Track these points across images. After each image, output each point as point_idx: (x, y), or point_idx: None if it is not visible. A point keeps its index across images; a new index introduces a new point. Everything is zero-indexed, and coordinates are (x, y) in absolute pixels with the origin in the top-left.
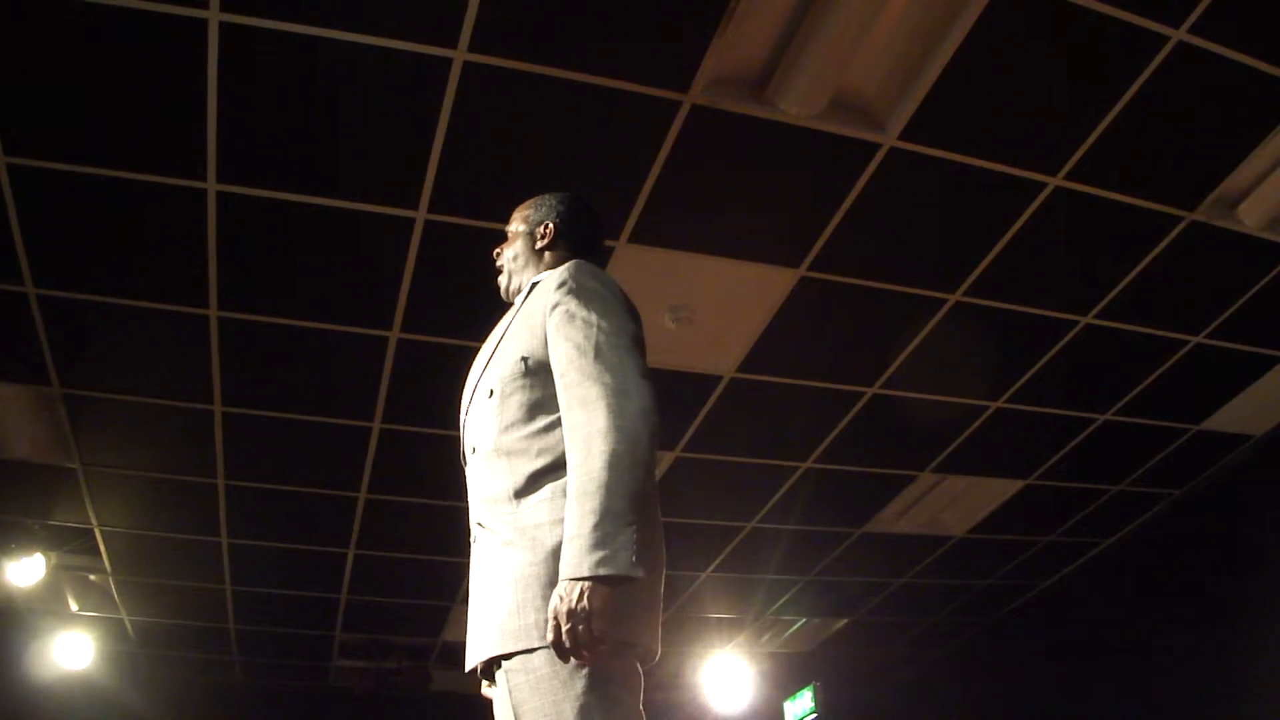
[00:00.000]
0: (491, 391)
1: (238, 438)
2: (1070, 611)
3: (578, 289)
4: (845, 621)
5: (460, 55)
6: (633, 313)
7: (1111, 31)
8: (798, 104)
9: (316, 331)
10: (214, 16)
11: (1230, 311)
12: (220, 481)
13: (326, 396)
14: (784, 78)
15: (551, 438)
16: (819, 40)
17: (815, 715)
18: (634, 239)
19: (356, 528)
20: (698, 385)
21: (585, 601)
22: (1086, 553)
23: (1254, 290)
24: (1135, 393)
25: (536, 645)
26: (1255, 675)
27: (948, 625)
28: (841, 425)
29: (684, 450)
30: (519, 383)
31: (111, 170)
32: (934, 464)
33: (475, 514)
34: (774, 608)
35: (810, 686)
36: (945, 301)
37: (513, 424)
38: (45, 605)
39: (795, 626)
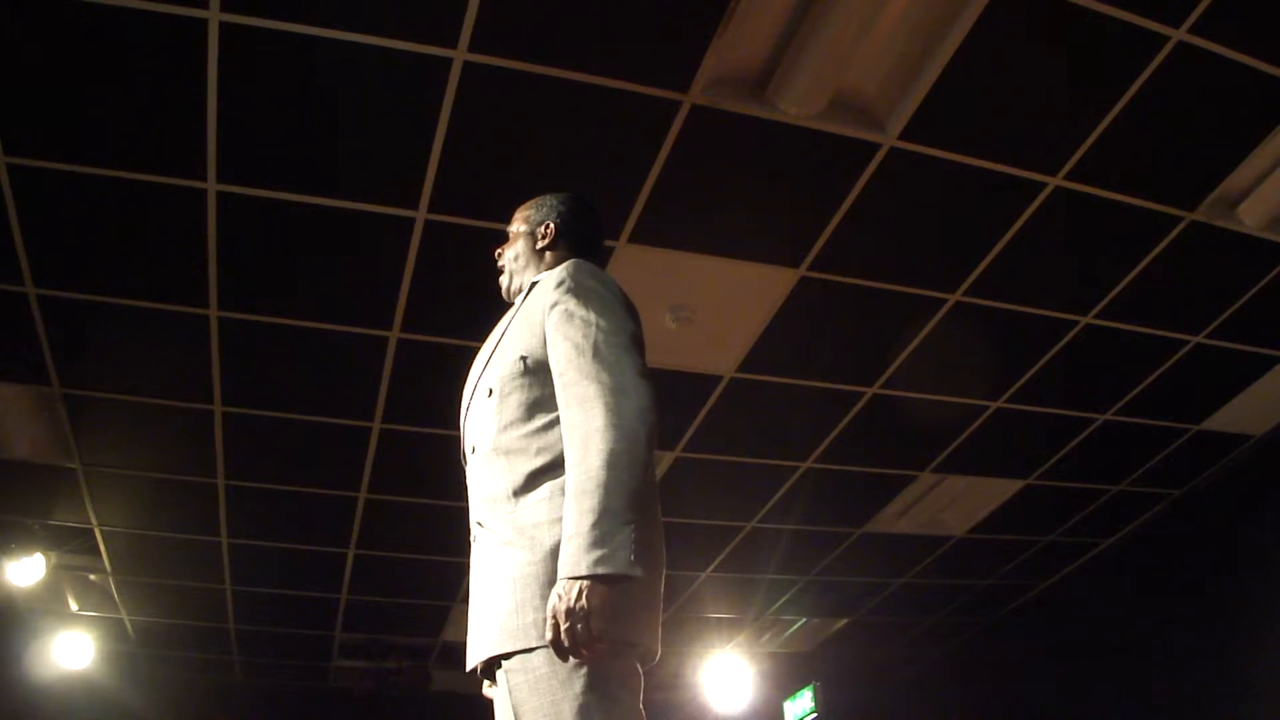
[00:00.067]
0: (491, 391)
1: (238, 438)
2: (1070, 611)
3: (576, 288)
4: (845, 621)
5: (460, 55)
6: (632, 312)
7: (1111, 31)
8: (798, 104)
9: (316, 331)
10: (214, 16)
11: (1230, 311)
12: (220, 481)
13: (326, 396)
14: (784, 78)
15: (550, 436)
16: (819, 40)
17: (815, 715)
18: (634, 239)
19: (356, 528)
20: (698, 385)
21: (584, 600)
22: (1086, 553)
23: (1254, 290)
24: (1135, 393)
25: (535, 645)
26: (1255, 675)
27: (948, 625)
28: (841, 425)
29: (684, 450)
30: (518, 382)
31: (111, 170)
32: (934, 464)
33: (475, 513)
34: (774, 608)
35: (810, 686)
36: (945, 301)
37: (512, 423)
38: (45, 605)
39: (795, 626)
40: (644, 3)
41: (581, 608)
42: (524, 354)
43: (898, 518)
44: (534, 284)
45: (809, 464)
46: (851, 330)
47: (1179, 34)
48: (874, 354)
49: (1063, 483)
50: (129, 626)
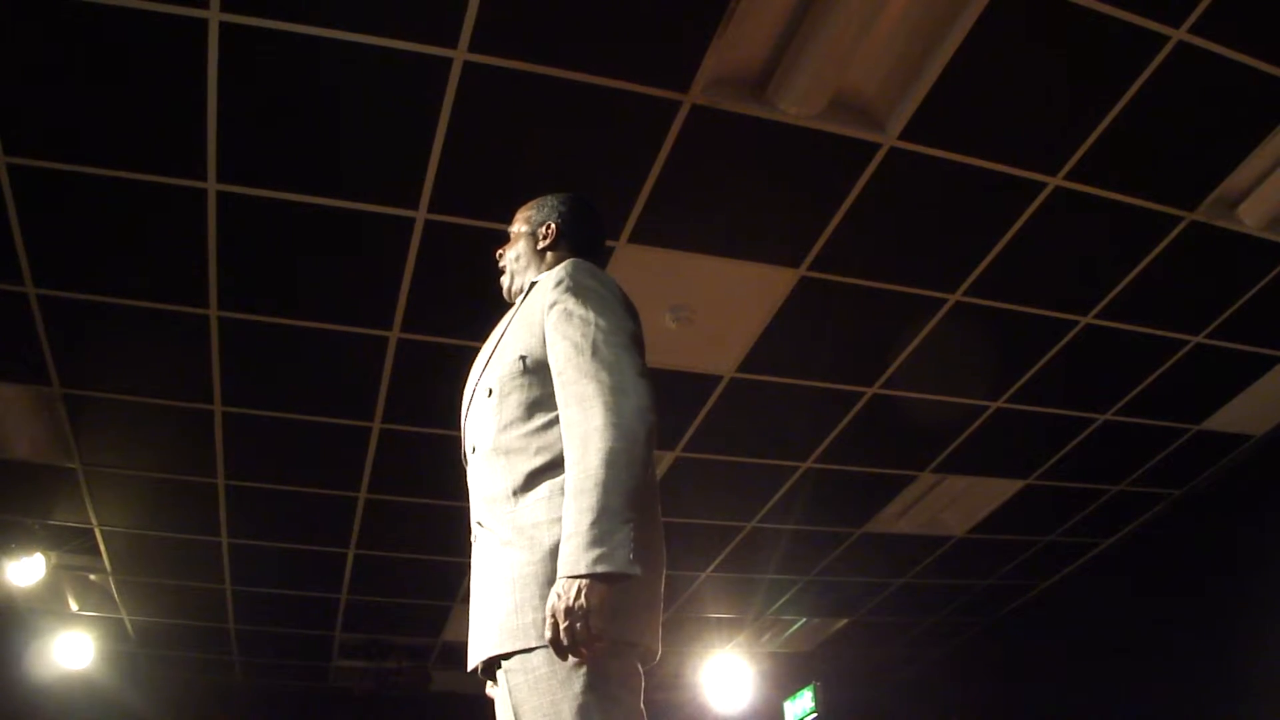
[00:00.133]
0: (490, 391)
1: (238, 438)
2: (1070, 611)
3: (575, 287)
4: (845, 621)
5: (460, 55)
6: (631, 311)
7: (1111, 31)
8: (798, 104)
9: (316, 331)
10: (214, 16)
11: (1230, 311)
12: (220, 481)
13: (326, 396)
14: (784, 78)
15: (550, 436)
16: (819, 40)
17: (815, 715)
18: (634, 239)
19: (356, 528)
20: (698, 385)
21: (583, 599)
22: (1086, 553)
23: (1254, 290)
24: (1135, 393)
25: (535, 644)
26: (1255, 675)
27: (948, 625)
28: (841, 425)
29: (684, 450)
30: (517, 381)
31: (111, 170)
32: (934, 464)
33: (475, 513)
34: (774, 608)
35: (810, 686)
36: (945, 301)
37: (511, 423)
38: (45, 605)
39: (795, 626)
40: (644, 3)
41: (580, 607)
42: (523, 354)
43: (898, 518)
44: (533, 284)
45: (809, 464)
46: (851, 330)
47: (1179, 34)
48: (874, 354)
49: (1063, 483)
50: (129, 626)
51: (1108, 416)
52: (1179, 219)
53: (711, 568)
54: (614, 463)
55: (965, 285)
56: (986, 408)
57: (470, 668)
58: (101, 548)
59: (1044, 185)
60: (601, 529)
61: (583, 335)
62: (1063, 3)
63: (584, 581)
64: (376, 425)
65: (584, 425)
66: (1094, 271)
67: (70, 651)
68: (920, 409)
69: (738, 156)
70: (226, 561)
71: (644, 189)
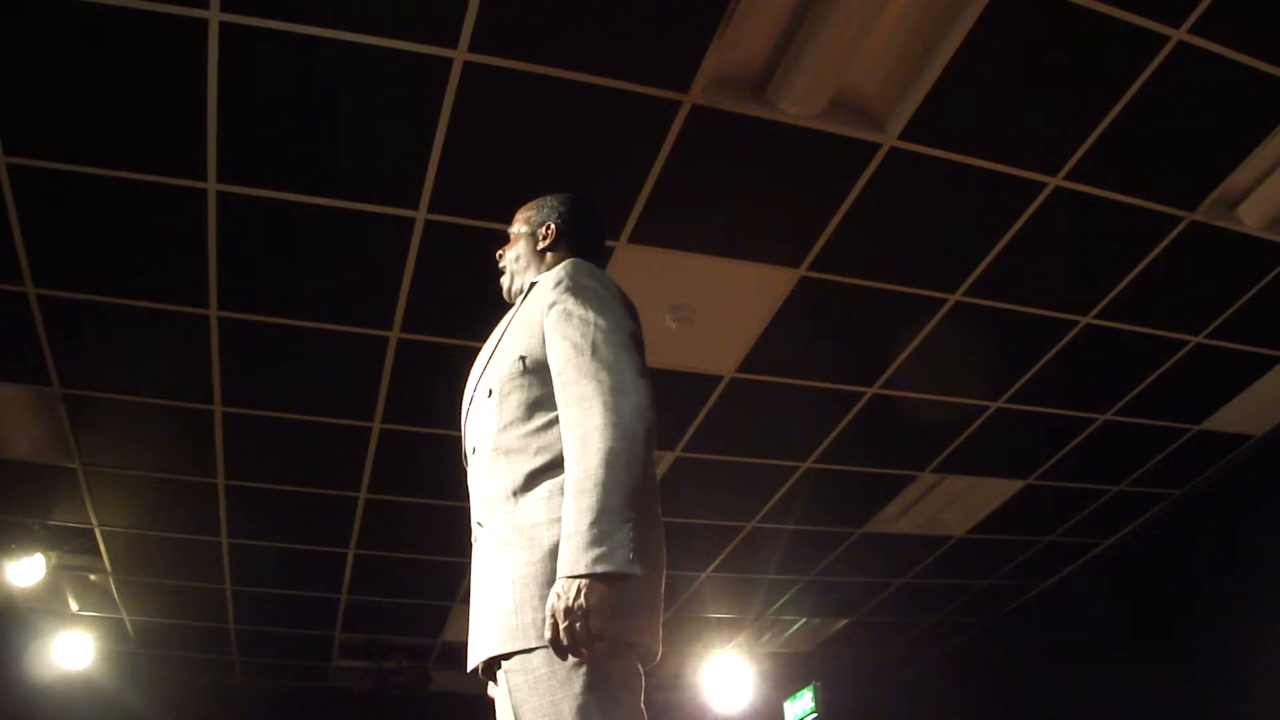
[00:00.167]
0: (490, 391)
1: (238, 438)
2: (1070, 611)
3: (575, 287)
4: (845, 621)
5: (460, 55)
6: (630, 311)
7: (1111, 31)
8: (798, 104)
9: (316, 331)
10: (214, 16)
11: (1230, 311)
12: (220, 481)
13: (326, 396)
14: (784, 78)
15: (549, 436)
16: (819, 40)
17: (815, 715)
18: (634, 239)
19: (356, 528)
20: (698, 385)
21: (582, 599)
22: (1086, 553)
23: (1254, 290)
24: (1135, 393)
25: (535, 645)
26: (1255, 675)
27: (948, 625)
28: (841, 425)
29: (684, 450)
30: (517, 382)
31: (111, 170)
32: (934, 464)
33: (475, 513)
34: (774, 608)
35: (810, 686)
36: (945, 301)
37: (511, 423)
38: (45, 605)
39: (795, 626)
40: (644, 3)
41: (580, 606)
42: (523, 354)
43: (898, 518)
44: (533, 284)
45: (809, 464)
46: (851, 330)
47: (1179, 34)
48: (874, 354)
49: (1063, 483)
50: (129, 626)
51: (1108, 417)
52: (1179, 219)
53: (711, 568)
54: (614, 462)
55: (965, 285)
56: (986, 408)
57: (470, 668)
58: (101, 548)
59: (1044, 185)
60: (601, 529)
61: (582, 335)
62: (1063, 3)
63: (584, 581)
64: (376, 425)
65: (584, 425)
66: (1094, 271)
67: (70, 651)
68: (920, 409)
69: (738, 156)
70: (226, 561)
71: (644, 189)
